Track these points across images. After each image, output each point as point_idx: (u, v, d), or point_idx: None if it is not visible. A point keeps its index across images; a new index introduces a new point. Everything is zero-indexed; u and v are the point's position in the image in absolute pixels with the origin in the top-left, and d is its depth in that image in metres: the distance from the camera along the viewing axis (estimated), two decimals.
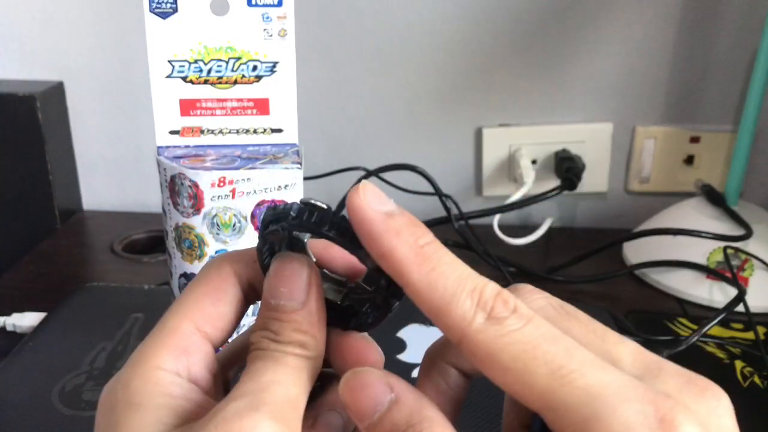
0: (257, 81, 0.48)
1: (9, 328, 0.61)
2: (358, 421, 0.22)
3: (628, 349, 0.22)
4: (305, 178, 0.46)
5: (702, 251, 0.69)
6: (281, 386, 0.22)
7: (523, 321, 0.21)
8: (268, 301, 0.24)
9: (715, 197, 0.73)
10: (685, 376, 0.21)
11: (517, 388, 0.20)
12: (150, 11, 0.46)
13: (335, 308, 0.25)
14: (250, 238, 0.46)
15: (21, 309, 0.63)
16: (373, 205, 0.22)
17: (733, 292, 0.63)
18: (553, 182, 0.79)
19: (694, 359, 0.56)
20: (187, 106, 0.47)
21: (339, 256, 0.26)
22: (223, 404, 0.22)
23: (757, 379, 0.55)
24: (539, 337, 0.20)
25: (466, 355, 0.21)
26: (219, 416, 0.21)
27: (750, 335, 0.61)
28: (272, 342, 0.24)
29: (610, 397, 0.19)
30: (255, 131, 0.48)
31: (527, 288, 0.24)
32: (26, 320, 0.61)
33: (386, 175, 0.75)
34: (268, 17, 0.46)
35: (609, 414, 0.19)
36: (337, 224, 0.23)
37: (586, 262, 0.73)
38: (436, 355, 0.26)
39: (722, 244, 0.68)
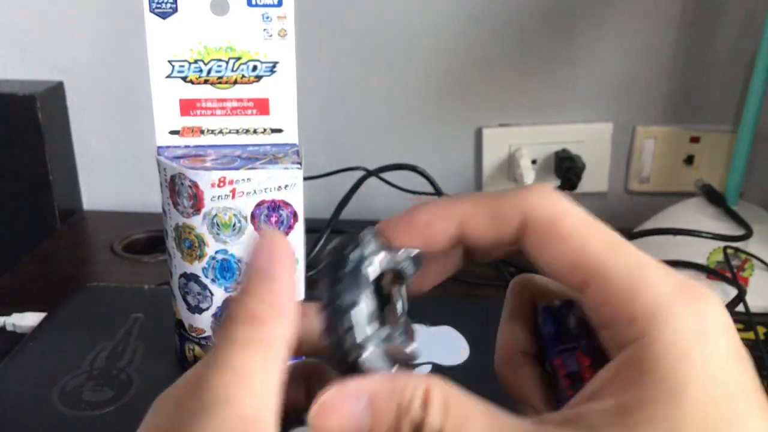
0: (257, 81, 0.47)
1: (9, 328, 0.61)
2: None
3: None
4: (305, 178, 0.46)
5: (702, 251, 0.69)
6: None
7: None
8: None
9: (715, 197, 0.73)
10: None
11: (574, 256, 0.23)
12: (150, 11, 0.46)
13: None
14: (250, 238, 0.46)
15: (21, 309, 0.63)
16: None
17: (733, 292, 0.63)
18: (553, 182, 0.79)
19: None
20: (187, 106, 0.47)
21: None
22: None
23: None
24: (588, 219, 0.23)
25: (527, 232, 0.24)
26: None
27: (750, 335, 0.61)
28: (221, 328, 0.22)
29: (655, 267, 0.22)
30: (255, 131, 0.48)
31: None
32: (26, 320, 0.61)
33: (386, 175, 0.75)
34: (268, 17, 0.46)
35: (658, 279, 0.22)
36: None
37: None
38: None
39: (722, 244, 0.68)
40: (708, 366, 0.20)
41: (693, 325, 0.21)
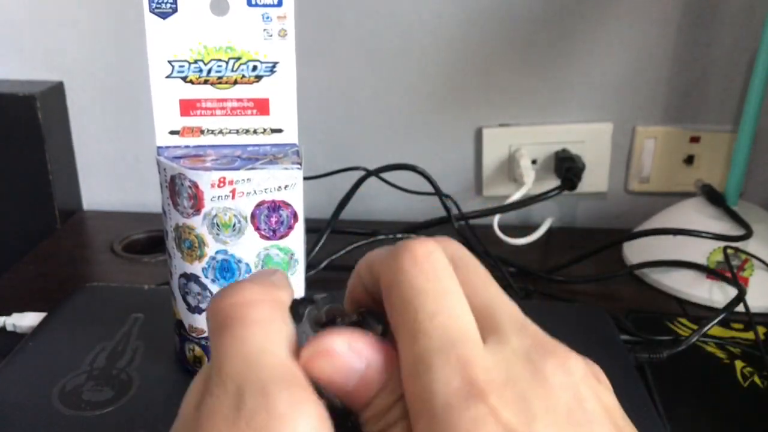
0: (257, 81, 0.47)
1: (9, 328, 0.61)
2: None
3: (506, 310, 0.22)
4: (305, 178, 0.46)
5: (702, 251, 0.69)
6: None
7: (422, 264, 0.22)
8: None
9: (715, 197, 0.73)
10: (542, 343, 0.21)
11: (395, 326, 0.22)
12: (150, 11, 0.46)
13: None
14: (250, 238, 0.46)
15: (21, 309, 0.63)
16: None
17: (733, 292, 0.63)
18: (553, 182, 0.79)
19: (694, 359, 0.56)
20: (187, 106, 0.47)
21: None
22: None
23: (757, 379, 0.55)
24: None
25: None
26: None
27: (750, 335, 0.61)
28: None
29: (444, 361, 0.20)
30: (255, 131, 0.48)
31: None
32: (26, 320, 0.61)
33: (386, 175, 0.75)
34: (268, 17, 0.46)
35: (438, 377, 0.20)
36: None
37: (586, 262, 0.73)
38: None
39: (722, 244, 0.68)
40: None
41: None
